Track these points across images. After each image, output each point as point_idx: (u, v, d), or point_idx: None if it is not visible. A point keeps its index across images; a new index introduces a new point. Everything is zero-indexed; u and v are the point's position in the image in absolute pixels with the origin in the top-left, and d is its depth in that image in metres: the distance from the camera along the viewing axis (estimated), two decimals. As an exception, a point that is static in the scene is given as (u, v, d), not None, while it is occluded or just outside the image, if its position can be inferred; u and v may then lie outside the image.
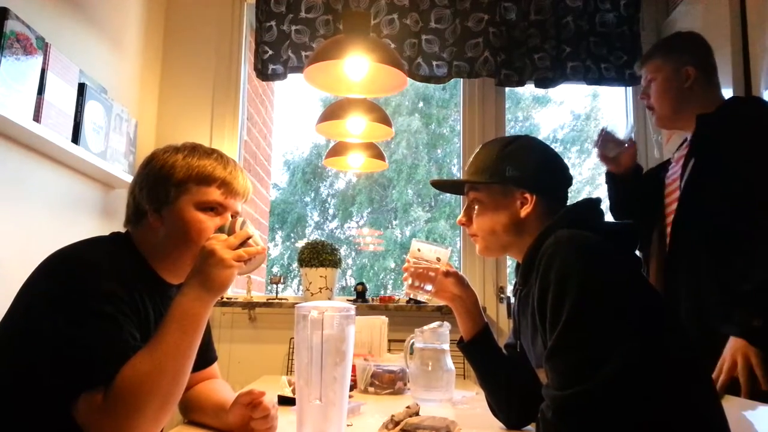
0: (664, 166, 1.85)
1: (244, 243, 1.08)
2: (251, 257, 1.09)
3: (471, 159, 1.28)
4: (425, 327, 1.74)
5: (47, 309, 0.97)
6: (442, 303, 1.56)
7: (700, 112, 1.64)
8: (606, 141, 1.84)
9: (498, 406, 1.36)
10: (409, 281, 1.38)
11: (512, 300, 1.35)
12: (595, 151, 1.87)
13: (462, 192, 1.30)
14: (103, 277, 1.01)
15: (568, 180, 1.25)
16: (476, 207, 1.24)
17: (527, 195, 1.18)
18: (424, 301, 1.43)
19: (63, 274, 1.01)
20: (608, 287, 0.92)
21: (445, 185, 1.42)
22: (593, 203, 1.16)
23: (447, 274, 1.37)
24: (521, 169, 1.19)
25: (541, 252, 1.00)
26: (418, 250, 1.39)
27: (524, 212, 1.18)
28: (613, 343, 0.86)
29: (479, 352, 1.38)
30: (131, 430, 0.93)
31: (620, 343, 0.86)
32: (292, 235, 10.05)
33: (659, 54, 1.76)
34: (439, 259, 1.37)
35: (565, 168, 1.25)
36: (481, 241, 1.24)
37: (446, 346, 1.74)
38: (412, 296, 1.43)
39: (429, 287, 1.37)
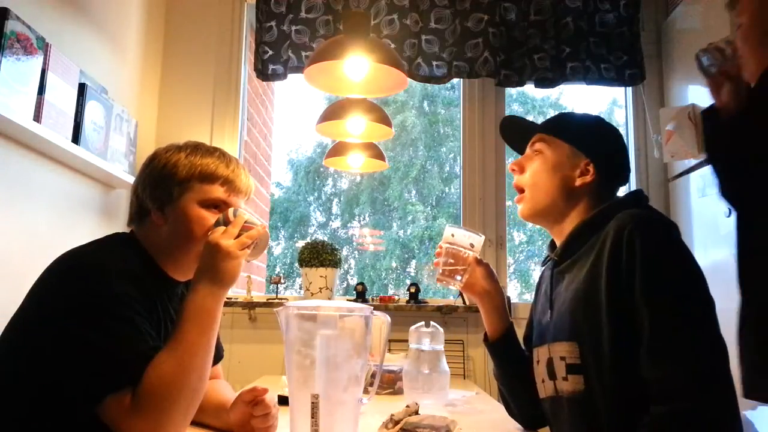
0: None
1: (243, 229, 1.09)
2: (255, 241, 1.10)
3: (552, 116, 1.29)
4: (422, 328, 1.73)
5: (65, 314, 0.98)
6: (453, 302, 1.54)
7: None
8: (709, 51, 1.40)
9: (518, 407, 1.35)
10: (440, 270, 1.31)
11: (545, 273, 1.29)
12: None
13: (523, 142, 1.28)
14: (117, 279, 1.02)
15: (626, 177, 1.26)
16: (536, 160, 1.22)
17: (590, 167, 1.18)
18: (455, 288, 1.37)
19: (78, 279, 1.02)
20: (701, 279, 0.99)
21: (517, 126, 1.32)
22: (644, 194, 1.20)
23: (479, 262, 1.33)
24: (597, 143, 1.21)
25: (614, 227, 1.03)
26: (452, 235, 1.32)
27: (580, 181, 1.18)
28: (714, 345, 0.94)
29: (507, 352, 1.34)
30: (164, 428, 0.96)
31: (718, 344, 0.94)
32: (295, 235, 10.06)
33: None
34: (472, 245, 1.31)
35: (629, 167, 1.27)
36: (528, 199, 1.22)
37: (441, 347, 1.73)
38: (444, 284, 1.37)
39: (459, 277, 1.30)
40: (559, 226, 1.21)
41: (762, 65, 1.29)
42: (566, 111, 1.34)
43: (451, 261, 1.30)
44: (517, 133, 1.33)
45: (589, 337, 1.04)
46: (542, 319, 1.23)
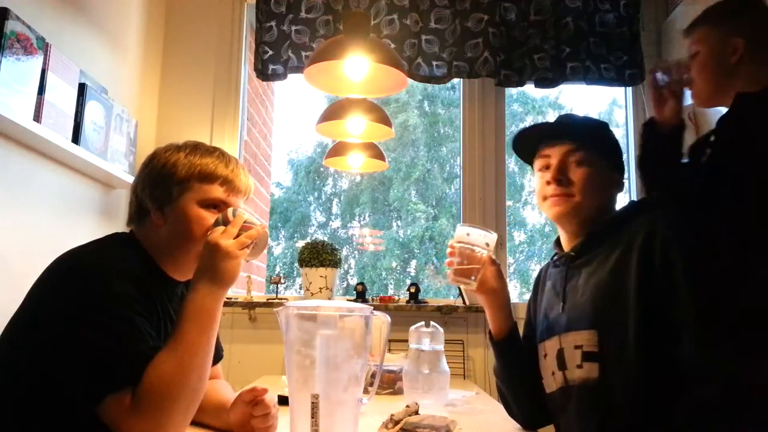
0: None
1: (242, 229, 1.09)
2: (254, 240, 1.10)
3: (584, 122, 1.37)
4: (422, 328, 1.73)
5: (65, 314, 0.98)
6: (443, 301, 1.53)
7: (743, 90, 1.39)
8: (664, 70, 1.54)
9: (519, 406, 1.36)
10: (453, 270, 1.27)
11: (551, 270, 1.35)
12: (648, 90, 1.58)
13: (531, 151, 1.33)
14: (117, 279, 1.02)
15: None
16: (586, 171, 1.24)
17: (622, 180, 1.30)
18: (470, 288, 1.30)
19: (78, 279, 1.02)
20: None
21: (557, 132, 1.31)
22: None
23: (492, 262, 1.31)
24: (621, 154, 1.32)
25: (646, 224, 1.13)
26: (467, 234, 1.28)
27: (617, 191, 1.29)
28: None
29: (512, 350, 1.35)
30: (164, 428, 0.96)
31: None
32: (295, 235, 10.06)
33: (706, 22, 1.49)
34: (488, 244, 1.28)
35: None
36: (578, 204, 1.23)
37: (441, 347, 1.73)
38: (456, 284, 1.30)
39: (474, 277, 1.26)
40: (582, 226, 1.26)
41: (716, 92, 1.46)
42: (569, 113, 1.42)
43: (465, 261, 1.27)
44: (533, 141, 1.34)
45: (613, 325, 1.11)
46: (550, 313, 1.27)
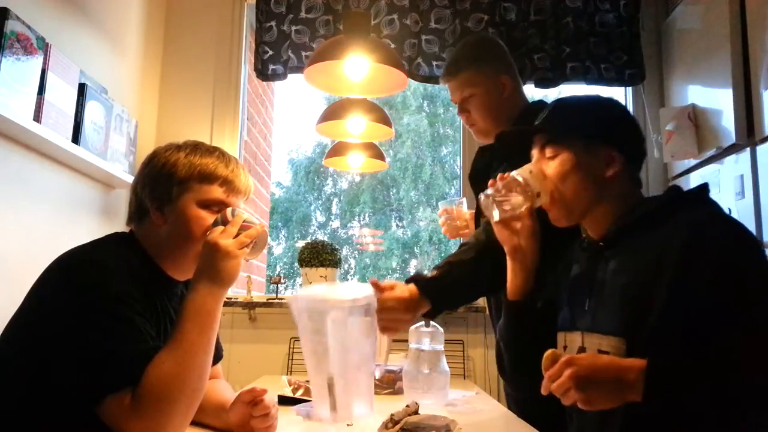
0: None
1: (241, 228, 1.10)
2: (253, 240, 1.11)
3: (550, 112, 1.22)
4: (422, 328, 1.73)
5: (65, 314, 0.98)
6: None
7: (511, 116, 1.61)
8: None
9: (516, 373, 1.30)
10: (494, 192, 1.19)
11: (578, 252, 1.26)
12: None
13: (524, 151, 1.22)
14: (117, 279, 1.02)
15: (644, 147, 1.22)
16: (553, 163, 1.16)
17: (615, 154, 1.13)
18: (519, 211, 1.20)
19: (77, 278, 1.02)
20: None
21: (509, 138, 1.27)
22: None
23: (530, 216, 1.21)
24: (612, 128, 1.17)
25: (691, 230, 0.99)
26: (530, 171, 1.17)
27: (611, 171, 1.13)
28: None
29: (523, 315, 1.26)
30: (163, 428, 0.96)
31: None
32: (296, 234, 10.08)
33: (472, 66, 1.64)
34: (538, 195, 1.17)
35: (642, 134, 1.23)
36: (560, 208, 1.16)
37: (441, 347, 1.72)
38: (502, 210, 1.19)
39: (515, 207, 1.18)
40: (593, 216, 1.16)
41: (497, 124, 1.61)
42: (561, 99, 1.28)
43: (506, 199, 1.17)
44: (515, 144, 1.27)
45: (641, 336, 1.01)
46: (574, 305, 1.18)
